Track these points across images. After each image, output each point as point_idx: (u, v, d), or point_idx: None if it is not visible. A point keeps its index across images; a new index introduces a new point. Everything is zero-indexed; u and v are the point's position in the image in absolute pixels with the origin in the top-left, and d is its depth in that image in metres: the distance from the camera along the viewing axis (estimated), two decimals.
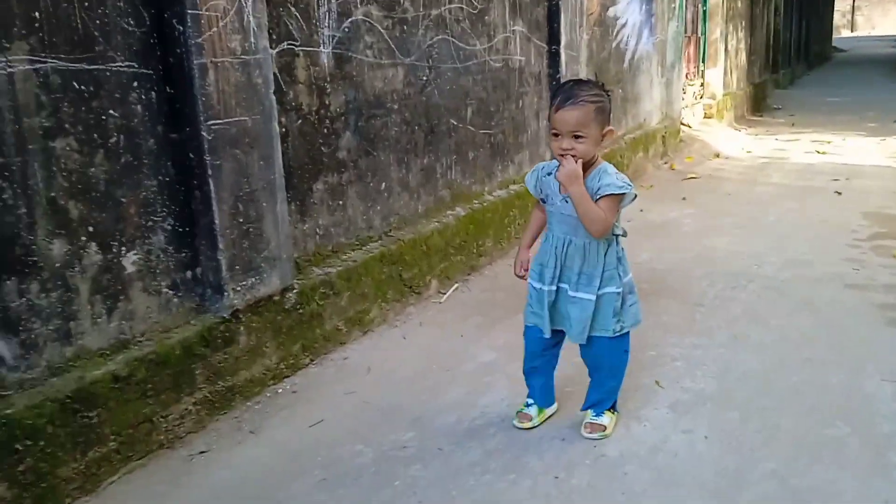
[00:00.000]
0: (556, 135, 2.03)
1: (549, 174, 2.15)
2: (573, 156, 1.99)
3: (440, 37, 3.51)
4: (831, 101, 12.51)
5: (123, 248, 2.12)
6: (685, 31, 7.84)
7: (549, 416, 2.32)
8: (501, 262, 3.98)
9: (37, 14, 1.86)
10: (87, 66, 1.98)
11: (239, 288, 2.40)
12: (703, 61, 8.89)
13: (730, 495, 1.88)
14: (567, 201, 2.07)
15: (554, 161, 2.15)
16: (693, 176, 6.25)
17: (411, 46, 3.30)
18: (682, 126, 7.62)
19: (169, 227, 2.26)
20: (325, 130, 2.85)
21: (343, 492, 2.00)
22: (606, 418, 2.22)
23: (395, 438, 2.25)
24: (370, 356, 2.84)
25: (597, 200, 2.02)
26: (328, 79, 2.83)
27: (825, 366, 2.56)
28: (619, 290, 2.13)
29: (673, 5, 7.09)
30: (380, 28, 3.09)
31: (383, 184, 3.21)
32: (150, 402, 2.15)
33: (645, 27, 6.40)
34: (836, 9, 32.20)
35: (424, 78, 3.41)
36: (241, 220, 2.39)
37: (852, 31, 42.92)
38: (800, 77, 17.53)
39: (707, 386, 2.47)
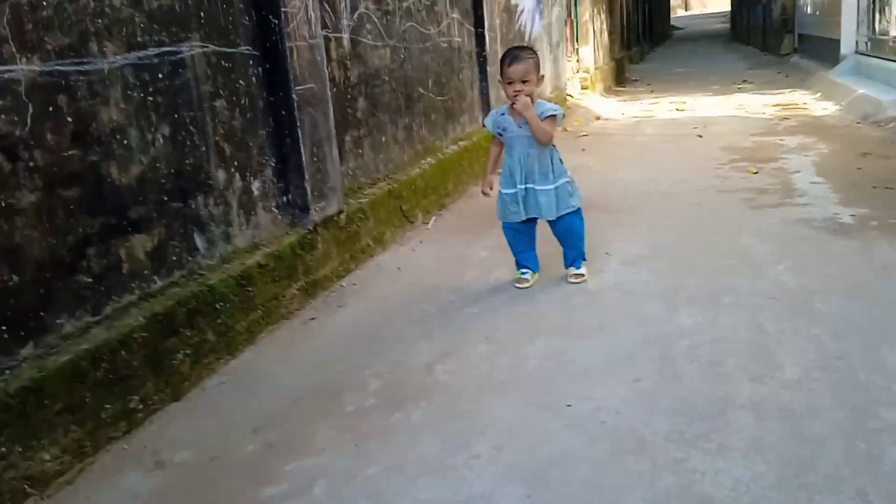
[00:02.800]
0: (509, 83, 3.07)
1: (503, 114, 3.21)
2: (524, 94, 3.06)
3: (409, 23, 4.49)
4: (678, 71, 14.42)
5: (252, 178, 3.00)
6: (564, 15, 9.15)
7: (537, 279, 3.38)
8: (460, 200, 5.02)
9: (202, 14, 2.71)
10: (227, 50, 2.84)
11: (317, 209, 3.31)
12: (578, 41, 10.28)
13: (672, 296, 3.03)
14: (521, 126, 3.12)
15: (502, 106, 3.26)
16: (584, 134, 7.54)
17: (393, 32, 4.27)
18: (567, 95, 8.94)
19: (273, 164, 3.14)
20: (349, 96, 3.78)
21: (427, 324, 2.98)
22: (584, 268, 3.32)
23: (444, 298, 3.25)
24: (395, 262, 3.80)
25: (543, 120, 3.10)
26: (348, 57, 3.76)
27: (715, 234, 3.81)
28: (569, 179, 3.21)
29: None
30: (374, 18, 4.04)
31: (383, 137, 4.17)
32: (276, 286, 3.04)
33: (536, 12, 7.61)
34: None
35: (402, 56, 4.39)
36: (316, 160, 3.30)
37: (686, 10, 46.96)
38: (647, 53, 19.63)
39: (641, 251, 3.63)
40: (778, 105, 8.43)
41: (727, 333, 2.64)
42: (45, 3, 2.09)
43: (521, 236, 3.32)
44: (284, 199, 3.22)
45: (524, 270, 3.34)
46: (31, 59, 2.05)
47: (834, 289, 2.95)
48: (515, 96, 3.07)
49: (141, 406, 2.32)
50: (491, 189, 3.30)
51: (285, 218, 3.23)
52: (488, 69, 5.81)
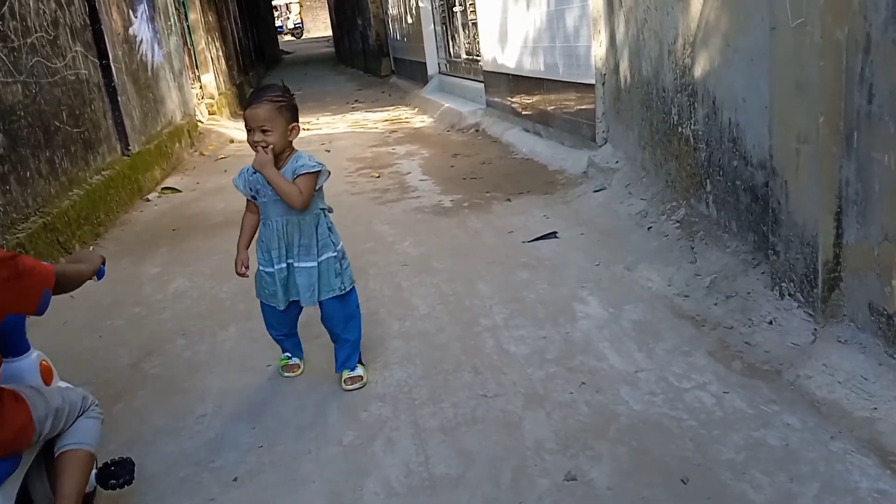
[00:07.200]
0: (249, 130, 2.36)
1: (255, 172, 2.42)
2: (264, 147, 2.33)
3: (36, 59, 4.52)
4: (297, 93, 14.85)
5: None
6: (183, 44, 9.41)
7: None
8: (114, 228, 5.15)
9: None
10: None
11: None
12: (198, 68, 10.58)
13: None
14: None
15: None
16: (223, 157, 7.97)
17: (22, 67, 4.29)
18: (198, 122, 9.23)
19: None
20: None
21: (119, 335, 3.24)
22: (360, 369, 2.61)
23: (129, 312, 3.52)
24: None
25: (296, 179, 2.37)
26: None
27: (355, 226, 4.63)
28: (336, 253, 2.51)
29: (170, 22, 8.61)
30: (2, 55, 4.04)
31: (28, 172, 4.18)
32: None
33: (154, 42, 7.81)
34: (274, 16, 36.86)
35: (34, 91, 4.42)
36: None
37: (292, 37, 49.19)
38: (263, 77, 20.47)
39: None
40: (386, 120, 9.82)
41: (376, 293, 3.43)
42: None
43: (280, 320, 2.66)
44: None
45: (290, 356, 2.76)
46: None
47: (443, 252, 3.95)
48: (256, 149, 2.36)
49: None
50: (247, 268, 2.55)
51: None
52: (119, 99, 5.95)
